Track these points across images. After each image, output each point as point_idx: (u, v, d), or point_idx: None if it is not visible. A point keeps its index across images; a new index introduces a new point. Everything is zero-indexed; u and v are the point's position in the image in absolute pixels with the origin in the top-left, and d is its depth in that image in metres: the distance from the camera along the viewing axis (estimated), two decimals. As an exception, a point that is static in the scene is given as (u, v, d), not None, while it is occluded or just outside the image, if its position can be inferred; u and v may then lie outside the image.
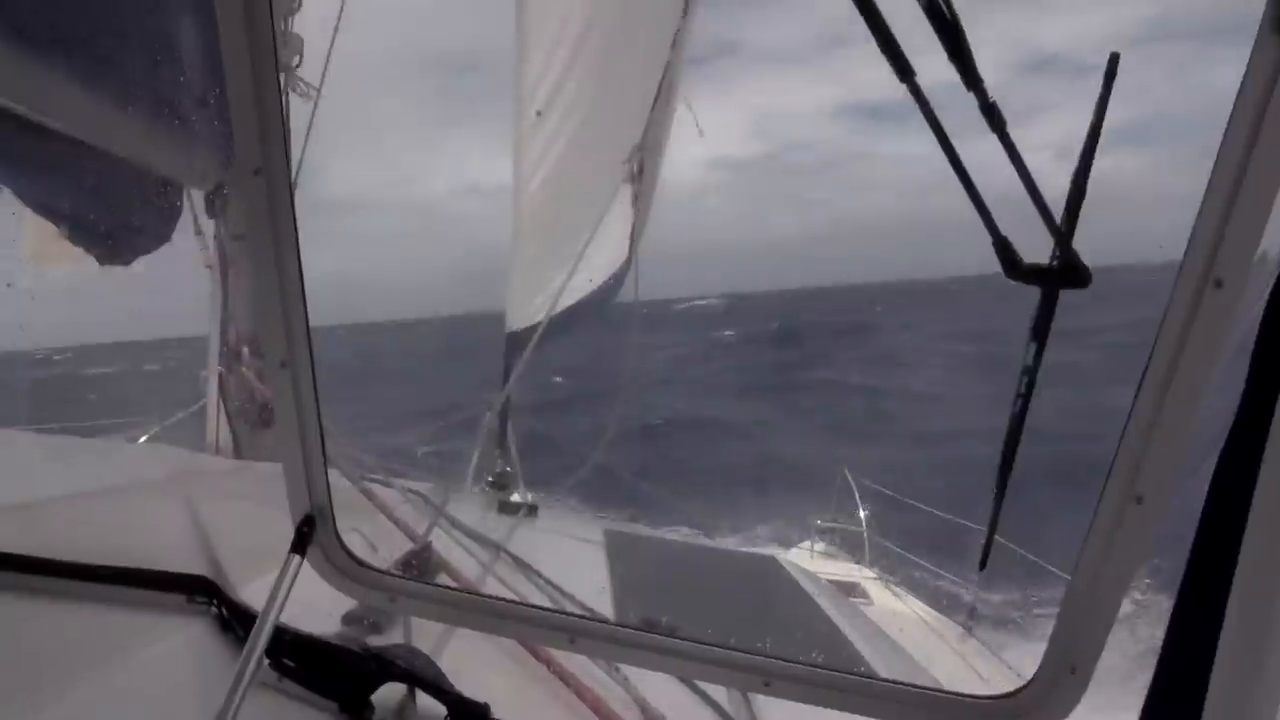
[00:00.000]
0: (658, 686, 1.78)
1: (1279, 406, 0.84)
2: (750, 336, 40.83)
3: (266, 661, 1.32)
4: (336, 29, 4.17)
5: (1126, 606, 1.08)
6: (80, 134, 2.40)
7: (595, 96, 4.70)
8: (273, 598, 1.28)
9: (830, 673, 1.23)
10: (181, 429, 4.80)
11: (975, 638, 5.79)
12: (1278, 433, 0.85)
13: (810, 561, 6.81)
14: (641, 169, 4.73)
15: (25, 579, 1.51)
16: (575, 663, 1.76)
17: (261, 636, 1.24)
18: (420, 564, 2.10)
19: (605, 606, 2.53)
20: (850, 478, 7.91)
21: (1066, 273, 1.02)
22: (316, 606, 1.49)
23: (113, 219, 2.85)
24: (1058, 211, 1.04)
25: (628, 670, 1.78)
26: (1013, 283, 1.08)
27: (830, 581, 5.35)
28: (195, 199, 3.75)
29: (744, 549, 6.90)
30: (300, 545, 1.34)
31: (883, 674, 2.04)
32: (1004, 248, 1.03)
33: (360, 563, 1.41)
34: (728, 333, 44.58)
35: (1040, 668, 1.12)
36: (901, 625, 5.09)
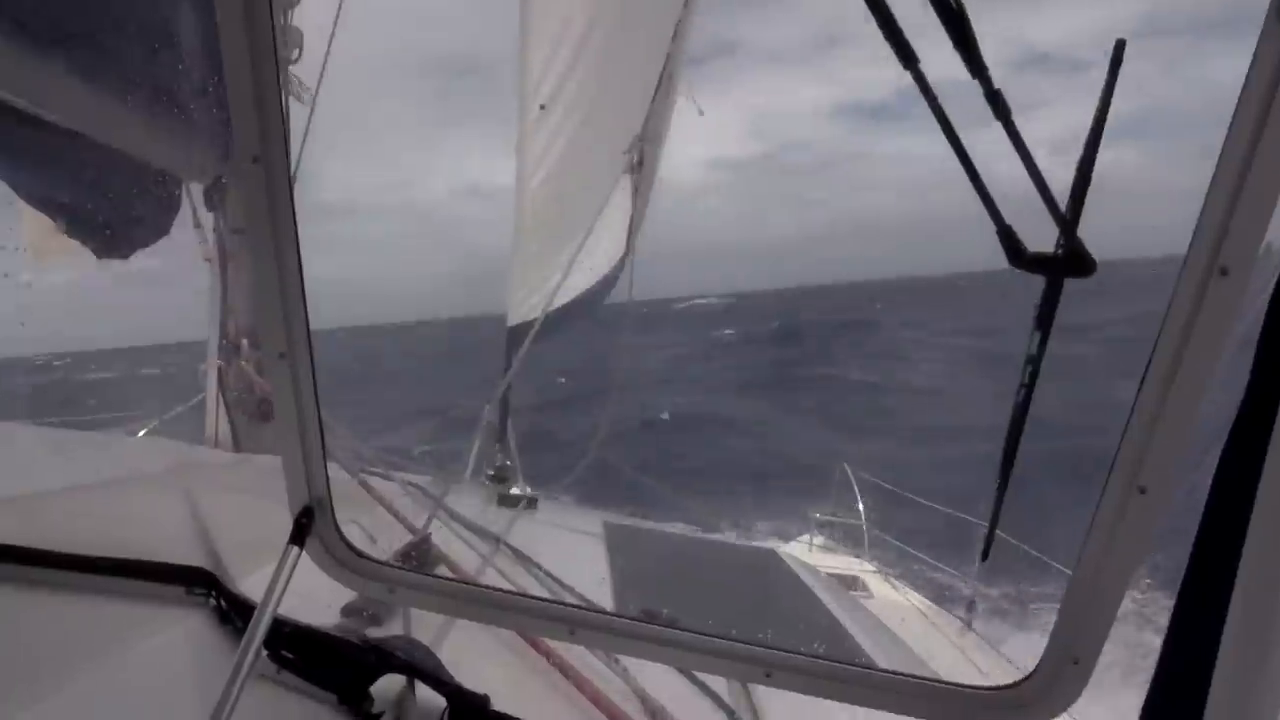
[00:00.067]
0: (657, 678, 1.78)
1: None
2: (750, 335, 40.83)
3: (265, 653, 1.32)
4: (334, 29, 4.15)
5: (1128, 604, 1.08)
6: (79, 127, 2.39)
7: (598, 90, 4.70)
8: (271, 589, 1.27)
9: (831, 663, 1.23)
10: (180, 423, 4.79)
11: (974, 631, 5.79)
12: None
13: (809, 555, 6.82)
14: (641, 160, 4.72)
15: (25, 571, 1.51)
16: (575, 654, 1.75)
17: (260, 628, 1.24)
18: (419, 556, 2.10)
19: (605, 599, 2.53)
20: (850, 472, 7.91)
21: (1072, 261, 1.01)
22: (315, 598, 1.49)
23: (111, 211, 2.84)
24: (1062, 202, 1.04)
25: (627, 662, 1.78)
26: (1014, 278, 1.07)
27: (830, 574, 5.36)
28: (194, 192, 3.75)
29: (743, 542, 6.89)
30: (299, 536, 1.33)
31: (883, 666, 2.04)
32: (1008, 236, 1.02)
33: (359, 554, 1.40)
34: (728, 331, 44.58)
35: (1042, 659, 1.12)
36: (901, 618, 5.09)
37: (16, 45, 2.03)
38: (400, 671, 1.36)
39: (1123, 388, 1.06)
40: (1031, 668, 1.14)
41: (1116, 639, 1.09)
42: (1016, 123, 1.00)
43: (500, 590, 1.53)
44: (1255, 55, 0.83)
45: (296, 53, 4.03)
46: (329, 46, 4.17)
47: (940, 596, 6.56)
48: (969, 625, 5.85)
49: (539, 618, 1.37)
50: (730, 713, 1.86)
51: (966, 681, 1.22)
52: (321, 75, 4.16)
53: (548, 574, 2.38)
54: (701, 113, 4.87)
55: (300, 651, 1.37)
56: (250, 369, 4.09)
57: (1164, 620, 1.05)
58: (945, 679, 1.26)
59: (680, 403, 22.08)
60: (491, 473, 4.23)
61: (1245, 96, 0.84)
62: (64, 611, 1.48)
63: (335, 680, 1.36)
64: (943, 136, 1.01)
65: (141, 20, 2.39)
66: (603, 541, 3.34)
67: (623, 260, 5.49)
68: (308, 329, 1.25)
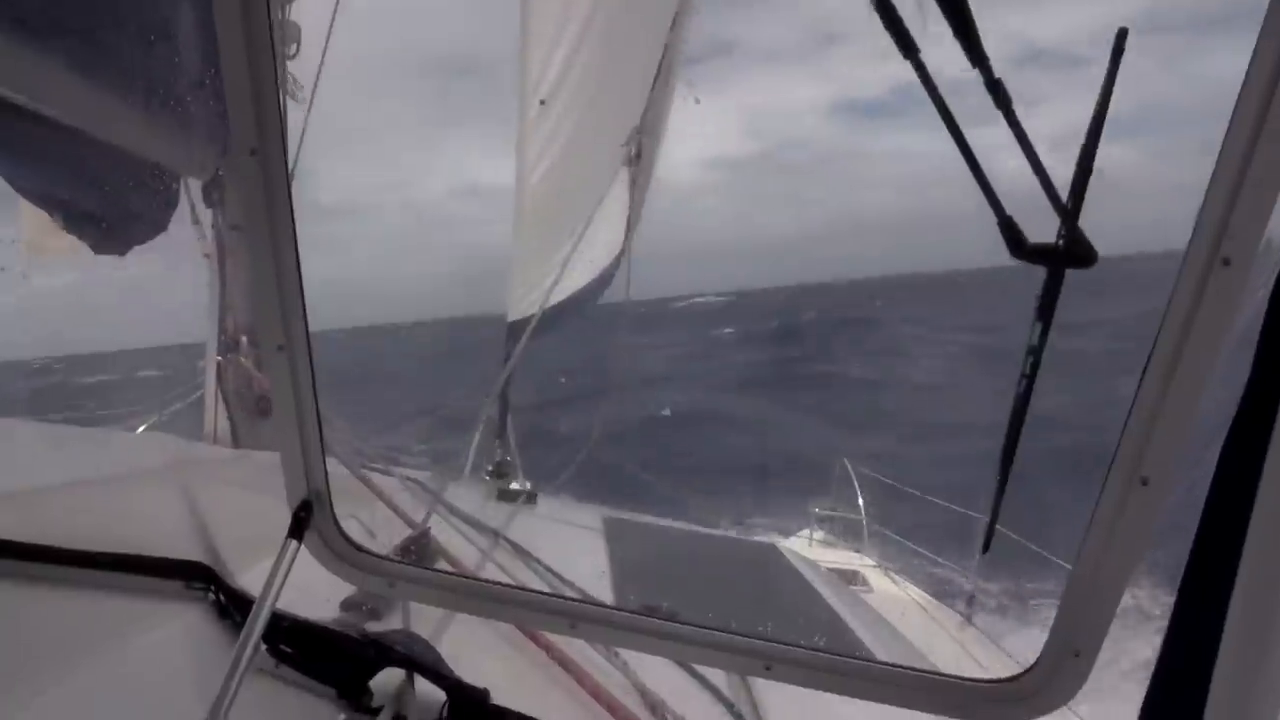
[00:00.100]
0: (657, 672, 1.78)
1: None
2: (750, 333, 40.77)
3: (264, 647, 1.32)
4: (331, 26, 4.14)
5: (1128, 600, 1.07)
6: (77, 122, 2.38)
7: (598, 83, 4.69)
8: (270, 583, 1.27)
9: (832, 656, 1.22)
10: (180, 419, 4.79)
11: (974, 626, 5.80)
12: None
13: (809, 549, 6.83)
14: (639, 152, 4.72)
15: (24, 566, 1.51)
16: (574, 648, 1.75)
17: (259, 622, 1.24)
18: (419, 550, 2.09)
19: (604, 593, 2.52)
20: (850, 467, 7.91)
21: (1073, 251, 1.00)
22: (314, 593, 1.49)
23: (109, 207, 2.83)
24: (1063, 194, 1.03)
25: (627, 655, 1.78)
26: (1015, 274, 1.07)
27: (830, 569, 5.36)
28: (193, 189, 3.74)
29: (744, 537, 6.90)
30: (298, 530, 1.33)
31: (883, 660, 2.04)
32: (1009, 227, 1.02)
33: (358, 548, 1.40)
34: (727, 329, 44.52)
35: (1044, 652, 1.12)
36: (901, 613, 5.10)
37: (14, 40, 2.02)
38: (400, 665, 1.36)
39: (1123, 384, 1.06)
40: (1031, 662, 1.14)
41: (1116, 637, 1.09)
42: (1017, 112, 0.99)
43: (500, 584, 1.53)
44: (1258, 43, 0.83)
45: (294, 47, 4.02)
46: (326, 43, 4.17)
47: (940, 591, 6.56)
48: (969, 620, 5.86)
49: (539, 611, 1.36)
50: (730, 706, 1.85)
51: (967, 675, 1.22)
52: (319, 73, 4.15)
53: (547, 568, 2.38)
54: (698, 101, 4.87)
55: (299, 645, 1.37)
56: (249, 365, 4.09)
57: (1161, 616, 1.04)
58: (945, 672, 1.26)
59: (681, 400, 22.06)
60: (491, 468, 4.23)
61: (1247, 85, 0.84)
62: (64, 606, 1.48)
63: (334, 674, 1.36)
64: (942, 132, 1.01)
65: (140, 15, 2.38)
66: (602, 536, 3.34)
67: (621, 254, 5.48)
68: (306, 322, 1.24)
